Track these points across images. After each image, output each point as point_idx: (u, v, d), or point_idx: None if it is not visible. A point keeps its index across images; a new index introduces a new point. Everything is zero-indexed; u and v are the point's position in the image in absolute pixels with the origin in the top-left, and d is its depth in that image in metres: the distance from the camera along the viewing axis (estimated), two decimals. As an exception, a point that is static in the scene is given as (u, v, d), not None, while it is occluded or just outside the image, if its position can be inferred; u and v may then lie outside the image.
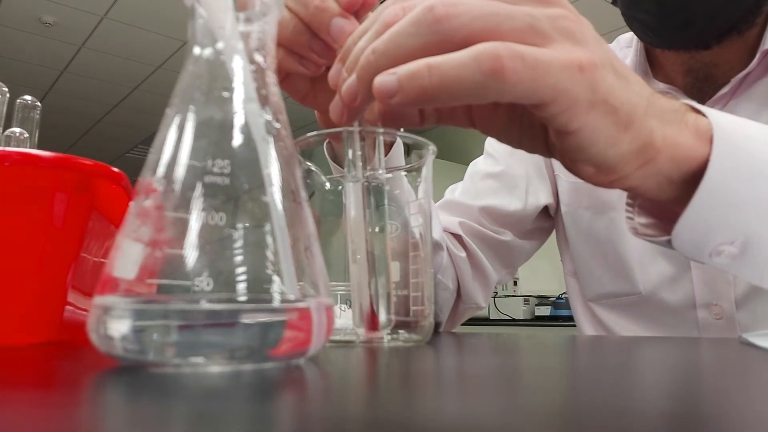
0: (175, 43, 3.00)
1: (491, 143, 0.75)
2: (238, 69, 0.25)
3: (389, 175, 0.37)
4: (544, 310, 3.30)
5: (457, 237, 0.68)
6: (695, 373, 0.25)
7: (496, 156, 0.73)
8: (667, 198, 0.34)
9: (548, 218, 0.74)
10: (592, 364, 0.29)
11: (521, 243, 0.71)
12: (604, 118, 0.29)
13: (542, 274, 3.66)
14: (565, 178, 0.70)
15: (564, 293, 3.33)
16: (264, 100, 0.25)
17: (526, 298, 3.41)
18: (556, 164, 0.69)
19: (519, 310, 3.35)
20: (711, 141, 0.32)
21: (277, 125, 0.25)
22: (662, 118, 0.31)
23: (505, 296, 3.53)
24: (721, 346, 0.37)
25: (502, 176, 0.71)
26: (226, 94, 0.24)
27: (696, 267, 0.62)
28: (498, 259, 0.70)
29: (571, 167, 0.33)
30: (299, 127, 0.30)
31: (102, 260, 0.37)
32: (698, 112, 0.34)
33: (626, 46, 0.69)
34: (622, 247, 0.66)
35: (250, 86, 0.25)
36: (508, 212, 0.69)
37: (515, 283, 3.71)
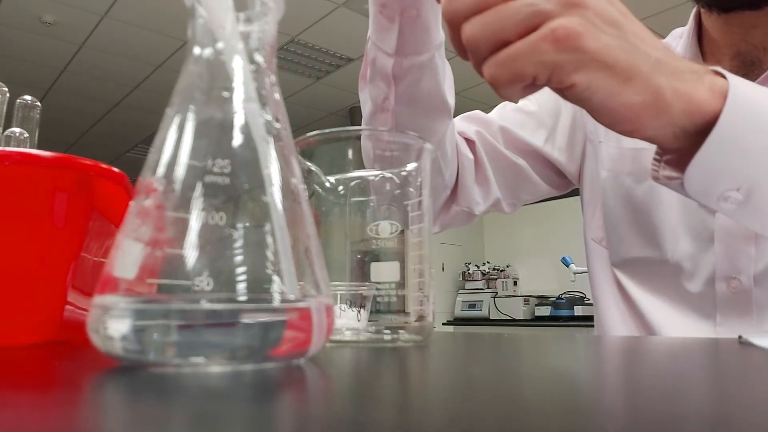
0: (175, 43, 3.00)
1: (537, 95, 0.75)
2: (238, 69, 0.25)
3: (387, 174, 0.37)
4: (544, 310, 3.29)
5: (470, 143, 0.67)
6: (695, 373, 0.25)
7: (533, 99, 0.72)
8: (683, 147, 0.38)
9: (561, 176, 0.74)
10: (592, 364, 0.29)
11: (532, 174, 0.71)
12: (597, 72, 0.34)
13: (542, 274, 3.66)
14: (612, 144, 0.70)
15: (564, 293, 3.33)
16: (264, 100, 0.25)
17: (526, 298, 3.41)
18: (601, 130, 0.70)
19: (519, 310, 3.34)
20: (725, 97, 0.36)
21: (277, 125, 0.25)
22: (675, 76, 0.36)
23: (505, 296, 3.53)
24: (721, 346, 0.37)
25: (533, 116, 0.71)
26: (226, 93, 0.24)
27: (719, 240, 0.62)
28: (504, 179, 0.70)
29: (591, 118, 0.37)
30: (299, 127, 0.30)
31: (102, 260, 0.37)
32: (722, 76, 0.37)
33: (678, 37, 0.71)
34: (657, 215, 0.66)
35: (250, 86, 0.25)
36: (526, 142, 0.70)
37: (515, 283, 3.71)
